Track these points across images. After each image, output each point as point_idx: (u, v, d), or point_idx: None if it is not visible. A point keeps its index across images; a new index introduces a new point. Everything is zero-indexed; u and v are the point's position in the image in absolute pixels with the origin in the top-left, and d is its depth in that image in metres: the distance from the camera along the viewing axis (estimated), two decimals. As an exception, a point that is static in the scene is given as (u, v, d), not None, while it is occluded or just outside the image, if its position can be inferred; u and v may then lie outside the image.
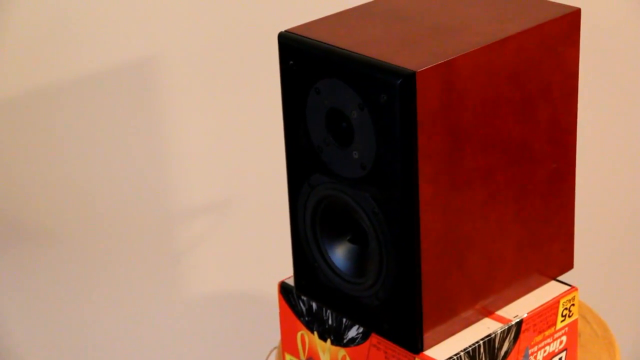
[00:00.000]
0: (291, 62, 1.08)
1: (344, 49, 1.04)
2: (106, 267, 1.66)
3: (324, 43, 1.06)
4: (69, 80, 1.55)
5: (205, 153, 1.64)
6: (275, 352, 1.35)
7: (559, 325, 1.18)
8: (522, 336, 1.15)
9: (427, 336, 1.09)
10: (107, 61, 1.55)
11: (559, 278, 1.21)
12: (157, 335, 1.71)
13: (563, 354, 1.19)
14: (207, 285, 1.70)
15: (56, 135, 1.57)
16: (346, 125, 1.06)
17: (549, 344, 1.18)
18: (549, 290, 1.18)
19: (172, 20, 1.56)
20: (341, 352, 1.18)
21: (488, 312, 1.14)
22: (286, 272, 1.27)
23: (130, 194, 1.62)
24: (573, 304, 1.18)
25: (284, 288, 1.21)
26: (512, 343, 1.14)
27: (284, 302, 1.22)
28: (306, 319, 1.20)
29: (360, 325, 1.14)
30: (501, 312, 1.15)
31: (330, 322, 1.18)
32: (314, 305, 1.18)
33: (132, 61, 1.56)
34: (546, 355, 1.18)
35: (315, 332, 1.20)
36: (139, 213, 1.63)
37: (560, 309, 1.17)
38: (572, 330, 1.19)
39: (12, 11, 1.50)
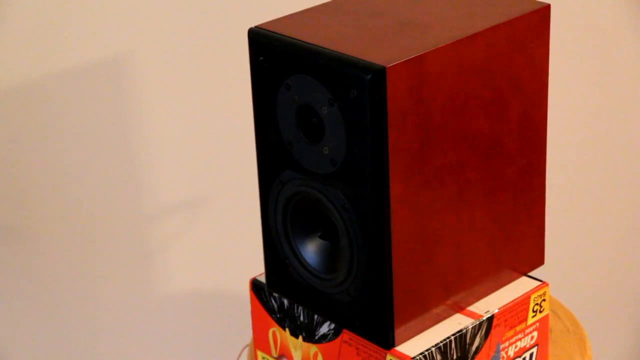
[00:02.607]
0: (261, 58, 1.08)
1: (314, 45, 1.04)
2: (78, 265, 1.65)
3: (294, 39, 1.06)
4: (40, 78, 1.54)
5: (176, 150, 1.63)
6: (247, 350, 1.35)
7: (530, 320, 1.18)
8: (493, 332, 1.15)
9: (398, 332, 1.09)
10: (79, 58, 1.55)
11: (530, 274, 1.21)
12: (129, 333, 1.70)
13: (534, 350, 1.20)
14: (179, 283, 1.70)
15: (27, 132, 1.56)
16: (316, 121, 1.06)
17: (520, 339, 1.18)
18: (520, 286, 1.19)
19: (143, 17, 1.55)
20: (313, 348, 1.18)
21: (459, 308, 1.14)
22: (258, 269, 1.26)
23: (102, 191, 1.62)
24: (544, 300, 1.19)
25: (255, 285, 1.21)
26: (483, 338, 1.14)
27: (255, 299, 1.22)
28: (278, 315, 1.20)
29: (332, 321, 1.14)
30: (472, 308, 1.15)
31: (301, 318, 1.18)
32: (286, 302, 1.18)
33: (105, 58, 1.55)
34: (517, 351, 1.18)
35: (287, 329, 1.20)
36: (110, 211, 1.63)
37: (531, 304, 1.18)
38: (543, 326, 1.20)
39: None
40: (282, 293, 1.18)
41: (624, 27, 1.76)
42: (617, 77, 1.80)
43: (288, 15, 1.12)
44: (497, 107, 1.10)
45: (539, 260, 1.21)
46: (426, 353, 1.10)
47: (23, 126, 1.56)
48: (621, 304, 1.94)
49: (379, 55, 1.01)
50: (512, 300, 1.16)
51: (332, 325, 1.15)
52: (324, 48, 1.03)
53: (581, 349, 1.30)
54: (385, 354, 1.10)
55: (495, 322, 1.15)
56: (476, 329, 1.13)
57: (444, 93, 1.05)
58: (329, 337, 1.16)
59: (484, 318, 1.14)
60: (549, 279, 1.23)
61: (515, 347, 1.18)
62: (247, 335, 1.43)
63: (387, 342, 1.09)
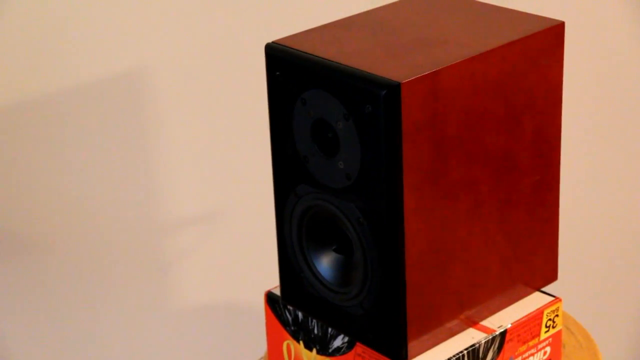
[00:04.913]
0: (278, 73, 1.09)
1: (329, 60, 1.05)
2: (94, 278, 1.66)
3: (310, 54, 1.07)
4: (58, 91, 1.55)
5: (193, 164, 1.64)
6: (261, 362, 1.36)
7: (543, 335, 1.19)
8: (506, 346, 1.15)
9: (411, 346, 1.10)
10: (97, 72, 1.56)
11: (543, 289, 1.21)
12: (144, 345, 1.71)
13: (547, 365, 1.20)
14: (194, 295, 1.71)
15: (45, 145, 1.58)
16: (332, 135, 1.07)
17: (533, 354, 1.18)
18: (533, 301, 1.19)
19: (161, 33, 1.56)
20: (326, 361, 1.18)
21: (472, 322, 1.15)
22: (273, 281, 1.27)
23: (119, 204, 1.63)
24: (557, 315, 1.19)
25: (270, 298, 1.22)
26: (496, 353, 1.14)
27: (270, 312, 1.22)
28: (292, 328, 1.21)
29: (345, 334, 1.15)
30: (485, 322, 1.16)
31: (315, 331, 1.18)
32: (300, 314, 1.19)
33: (122, 72, 1.57)
34: (530, 366, 1.18)
35: (301, 342, 1.20)
36: (127, 223, 1.64)
37: (544, 319, 1.18)
38: (556, 341, 1.20)
39: (2, 21, 1.51)
40: (297, 306, 1.18)
41: (638, 42, 1.77)
42: (631, 92, 1.80)
43: (304, 31, 1.13)
44: (511, 123, 1.11)
45: (552, 276, 1.22)
46: (439, 367, 1.10)
47: (41, 139, 1.57)
48: (634, 319, 1.93)
49: (394, 71, 1.02)
50: (525, 315, 1.17)
51: (346, 339, 1.15)
52: (340, 63, 1.04)
53: (594, 365, 1.30)
54: (398, 368, 1.11)
55: (508, 336, 1.15)
56: (489, 343, 1.14)
57: (458, 109, 1.05)
58: (342, 350, 1.16)
59: (497, 333, 1.14)
60: (562, 295, 1.23)
61: (528, 362, 1.18)
62: (262, 347, 1.44)
63: (400, 355, 1.10)
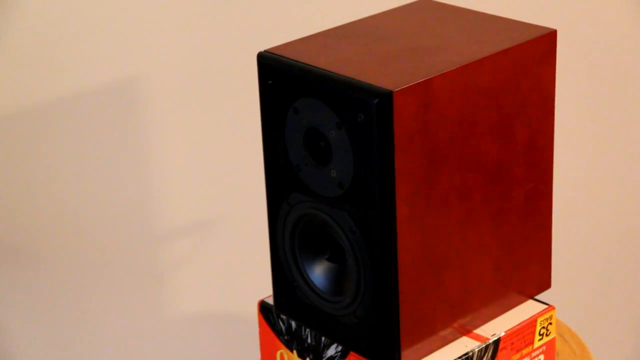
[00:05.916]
0: (270, 81, 1.09)
1: (321, 69, 1.05)
2: (88, 286, 1.66)
3: (303, 63, 1.07)
4: (51, 102, 1.55)
5: (186, 173, 1.64)
6: (255, 372, 1.36)
7: (537, 344, 1.19)
8: (499, 354, 1.15)
9: (404, 354, 1.09)
10: (91, 80, 1.56)
11: (537, 297, 1.21)
12: (139, 354, 1.71)
13: (541, 373, 1.20)
14: (188, 305, 1.71)
15: (39, 155, 1.57)
16: (324, 144, 1.07)
17: (526, 362, 1.18)
18: (526, 309, 1.19)
19: (154, 41, 1.56)
20: (320, 370, 1.18)
21: (466, 331, 1.15)
22: (266, 291, 1.27)
23: (113, 213, 1.63)
24: (550, 323, 1.19)
25: (263, 307, 1.22)
26: (489, 361, 1.15)
27: (263, 321, 1.22)
28: (285, 337, 1.21)
29: (339, 343, 1.15)
30: (479, 331, 1.16)
31: (309, 340, 1.18)
32: (293, 324, 1.19)
33: (116, 80, 1.57)
34: (524, 374, 1.18)
35: (295, 351, 1.20)
36: (121, 232, 1.64)
37: (538, 327, 1.18)
38: (550, 349, 1.20)
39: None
40: (290, 315, 1.18)
41: (631, 50, 1.77)
42: (626, 99, 1.80)
43: (296, 40, 1.13)
44: (504, 131, 1.11)
45: (545, 284, 1.22)
46: (433, 375, 1.10)
47: (35, 146, 1.57)
48: (629, 327, 1.94)
49: (386, 80, 1.02)
50: (519, 324, 1.17)
51: (340, 348, 1.15)
52: (332, 72, 1.04)
53: (588, 373, 1.30)
54: (392, 376, 1.11)
55: (501, 345, 1.15)
56: (482, 352, 1.14)
57: (450, 117, 1.05)
58: (336, 359, 1.16)
59: (491, 341, 1.14)
60: (556, 302, 1.23)
61: (522, 370, 1.18)
62: (255, 357, 1.44)
63: (394, 364, 1.10)
